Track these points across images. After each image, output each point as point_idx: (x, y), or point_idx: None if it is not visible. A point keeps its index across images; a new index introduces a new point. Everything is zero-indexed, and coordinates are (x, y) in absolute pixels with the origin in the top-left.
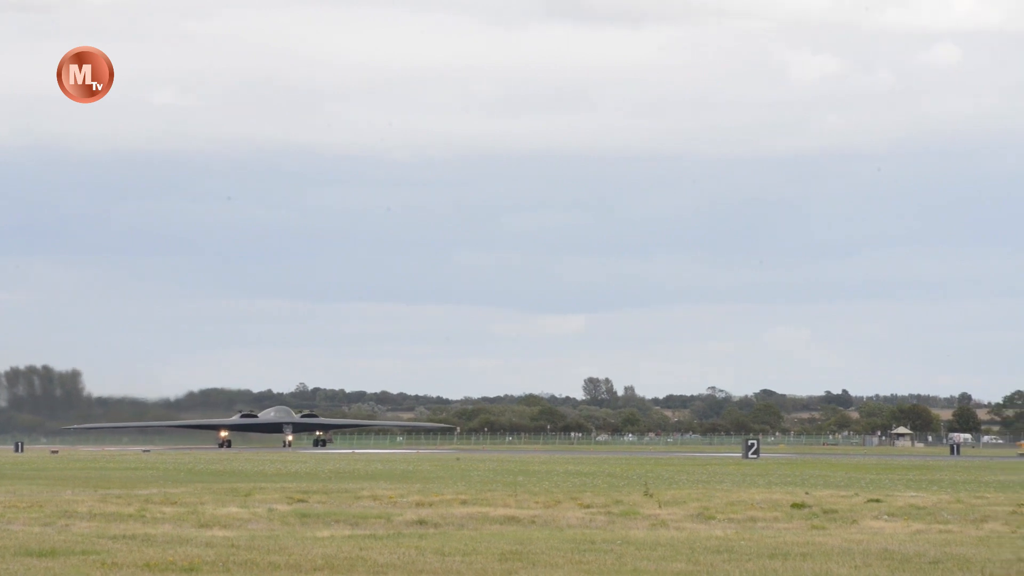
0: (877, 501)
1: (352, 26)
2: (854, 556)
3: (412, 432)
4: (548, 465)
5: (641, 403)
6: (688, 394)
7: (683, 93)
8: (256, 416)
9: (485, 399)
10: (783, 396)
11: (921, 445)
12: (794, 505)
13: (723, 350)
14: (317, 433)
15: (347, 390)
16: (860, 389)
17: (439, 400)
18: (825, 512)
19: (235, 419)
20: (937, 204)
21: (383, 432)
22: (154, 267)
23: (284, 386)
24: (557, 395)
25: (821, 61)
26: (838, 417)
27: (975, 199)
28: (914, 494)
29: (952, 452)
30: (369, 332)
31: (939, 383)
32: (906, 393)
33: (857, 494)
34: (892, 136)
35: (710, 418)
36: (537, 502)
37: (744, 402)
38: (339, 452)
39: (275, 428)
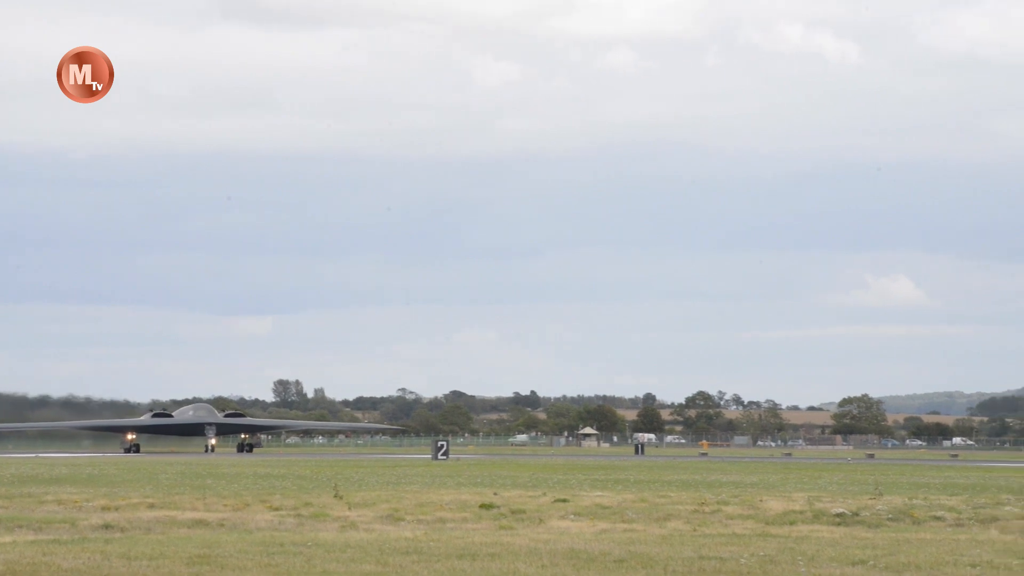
0: (564, 501)
1: (24, 22)
2: (541, 556)
3: (332, 433)
4: (237, 468)
5: (331, 405)
6: (378, 396)
7: (368, 95)
8: (171, 416)
9: (173, 402)
10: (472, 397)
11: (607, 445)
12: (482, 506)
13: (413, 351)
14: (243, 436)
15: (30, 395)
16: (548, 390)
17: (126, 404)
18: (513, 512)
19: (145, 419)
20: (618, 207)
21: (307, 433)
22: None
23: None
24: (247, 397)
25: (503, 67)
26: (526, 418)
27: (654, 202)
28: (600, 494)
29: (637, 452)
30: (52, 334)
31: (623, 384)
32: (592, 394)
33: (544, 494)
34: (572, 139)
35: (400, 419)
36: (226, 505)
37: (434, 403)
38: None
39: (194, 430)
